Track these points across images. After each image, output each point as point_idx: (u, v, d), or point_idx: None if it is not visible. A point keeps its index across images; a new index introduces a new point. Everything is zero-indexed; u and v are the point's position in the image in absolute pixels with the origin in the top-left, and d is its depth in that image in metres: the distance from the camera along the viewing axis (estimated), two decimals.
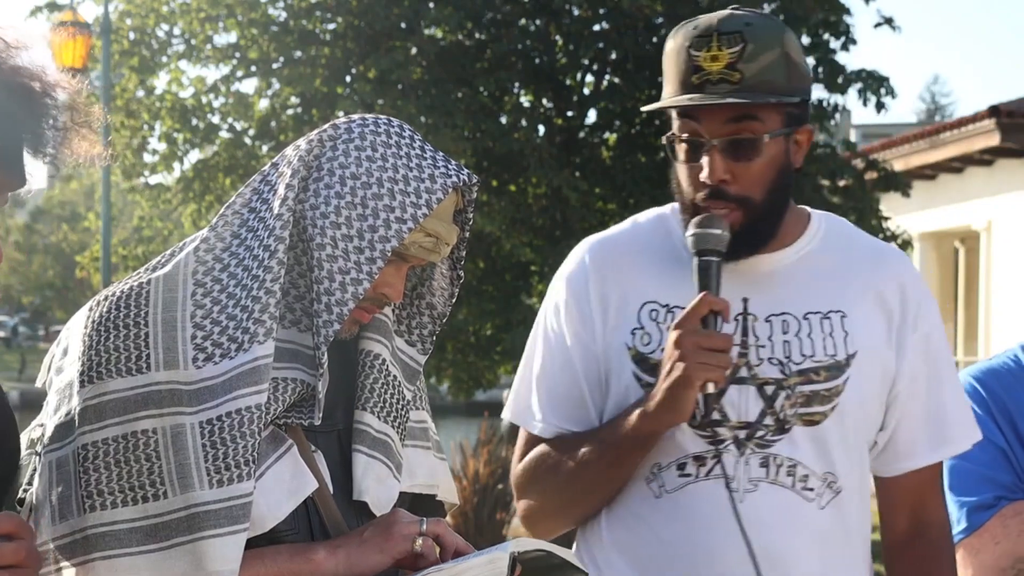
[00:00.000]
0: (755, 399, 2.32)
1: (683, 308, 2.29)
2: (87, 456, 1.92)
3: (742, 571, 2.26)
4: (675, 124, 2.33)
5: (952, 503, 2.26)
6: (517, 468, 2.49)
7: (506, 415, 2.54)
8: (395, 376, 2.13)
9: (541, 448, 2.44)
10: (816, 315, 2.35)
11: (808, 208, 2.50)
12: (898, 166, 13.68)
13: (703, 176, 2.28)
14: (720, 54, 2.25)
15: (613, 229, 2.54)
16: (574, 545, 2.47)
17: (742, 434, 2.31)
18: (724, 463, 2.29)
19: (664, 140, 2.37)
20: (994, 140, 15.44)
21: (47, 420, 2.01)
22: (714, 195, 2.29)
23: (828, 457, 2.32)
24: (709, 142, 2.27)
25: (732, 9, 2.33)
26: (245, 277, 1.98)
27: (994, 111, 15.19)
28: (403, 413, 2.14)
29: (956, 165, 17.09)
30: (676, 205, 2.44)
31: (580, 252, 2.49)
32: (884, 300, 2.38)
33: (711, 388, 2.22)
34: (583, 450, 2.36)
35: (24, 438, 2.08)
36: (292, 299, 2.03)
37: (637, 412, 2.28)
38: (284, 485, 1.97)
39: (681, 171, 2.33)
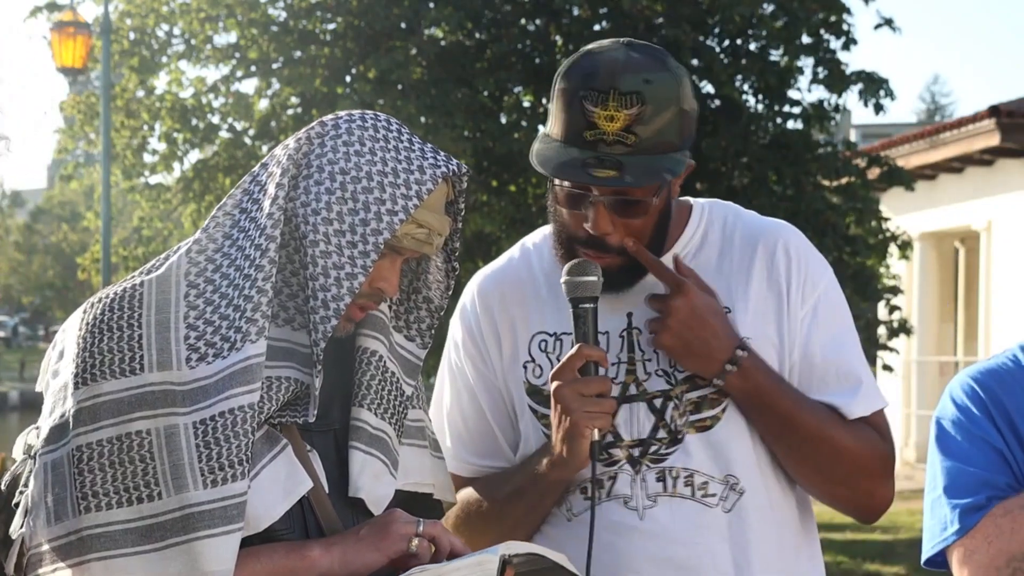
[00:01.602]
0: (646, 414, 2.32)
1: (569, 335, 2.29)
2: (81, 458, 1.93)
3: None
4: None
5: (945, 505, 2.25)
6: (454, 503, 2.48)
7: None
8: (393, 372, 2.13)
9: (465, 491, 2.44)
10: None
11: (690, 200, 2.45)
12: (898, 165, 13.65)
13: (586, 225, 2.24)
14: (617, 115, 2.17)
15: (501, 259, 2.51)
16: None
17: (636, 452, 2.31)
18: (628, 483, 2.30)
19: (548, 180, 2.30)
20: (994, 140, 15.44)
21: (43, 422, 2.01)
22: (594, 244, 2.25)
23: (725, 459, 2.31)
24: (596, 198, 2.22)
25: (624, 51, 2.22)
26: (237, 277, 1.98)
27: (994, 111, 15.19)
28: (401, 410, 2.14)
29: (956, 165, 17.08)
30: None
31: (471, 289, 2.48)
32: (771, 279, 2.34)
33: (596, 436, 2.22)
34: (503, 493, 2.37)
35: (21, 441, 2.08)
36: (285, 297, 2.03)
37: (544, 461, 2.29)
38: (279, 485, 1.98)
39: (561, 211, 2.28)
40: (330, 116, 2.08)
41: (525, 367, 2.39)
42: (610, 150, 2.18)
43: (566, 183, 2.24)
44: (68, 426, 1.95)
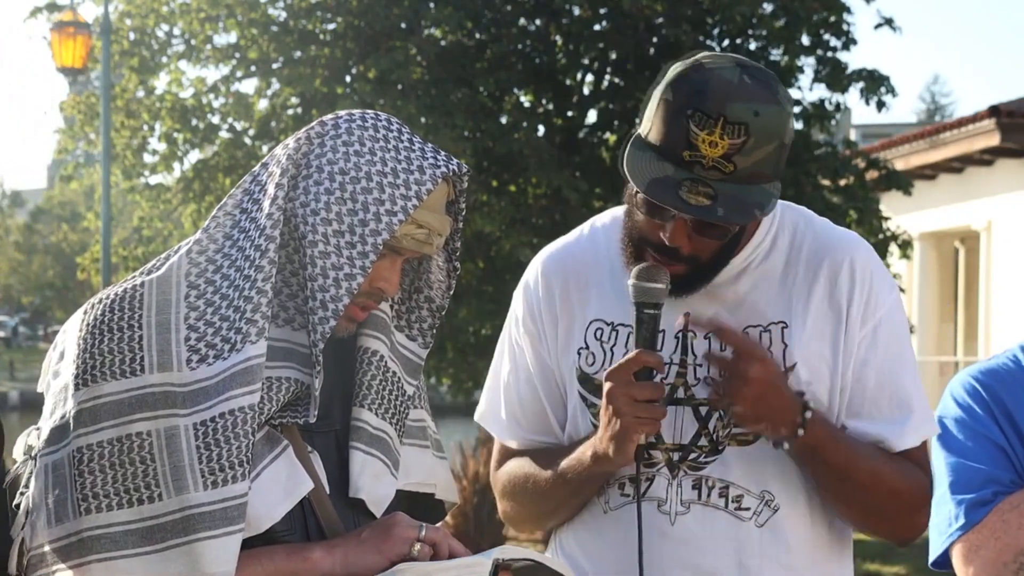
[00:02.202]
0: (690, 421, 2.31)
1: (627, 326, 2.30)
2: (82, 459, 1.92)
3: None
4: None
5: (950, 500, 2.25)
6: (495, 475, 2.54)
7: (478, 417, 2.57)
8: (394, 372, 2.13)
9: (514, 463, 2.47)
10: (755, 328, 2.30)
11: None
12: (898, 166, 13.67)
13: (662, 235, 2.21)
14: (721, 142, 2.11)
15: (569, 237, 2.50)
16: (551, 542, 2.51)
17: (675, 456, 2.31)
18: (664, 487, 2.30)
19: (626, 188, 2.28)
20: (994, 140, 15.45)
21: (43, 423, 2.01)
22: (666, 252, 2.23)
23: (762, 475, 2.30)
24: (679, 215, 2.19)
25: (738, 73, 2.16)
26: (237, 277, 1.98)
27: (994, 111, 15.20)
28: (402, 409, 2.14)
29: (956, 165, 17.09)
30: (621, 211, 2.40)
31: (535, 266, 2.48)
32: (832, 296, 2.31)
33: (642, 440, 2.22)
34: (549, 474, 2.38)
35: (21, 442, 2.08)
36: (285, 297, 2.03)
37: (590, 452, 2.29)
38: (280, 486, 1.97)
39: (638, 213, 2.25)
40: (330, 116, 2.08)
41: (579, 353, 2.38)
42: (705, 175, 2.14)
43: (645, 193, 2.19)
44: (69, 427, 1.95)
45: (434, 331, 2.20)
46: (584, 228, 2.50)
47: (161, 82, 13.00)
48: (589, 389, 2.36)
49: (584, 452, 2.31)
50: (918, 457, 2.36)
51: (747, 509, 2.31)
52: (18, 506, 2.01)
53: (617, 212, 2.43)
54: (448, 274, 2.19)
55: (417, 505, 2.17)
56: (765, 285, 2.32)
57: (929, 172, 17.47)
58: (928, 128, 17.43)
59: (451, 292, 2.20)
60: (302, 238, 1.98)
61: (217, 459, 1.90)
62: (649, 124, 2.20)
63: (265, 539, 1.97)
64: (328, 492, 2.04)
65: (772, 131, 2.14)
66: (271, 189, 2.00)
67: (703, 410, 2.30)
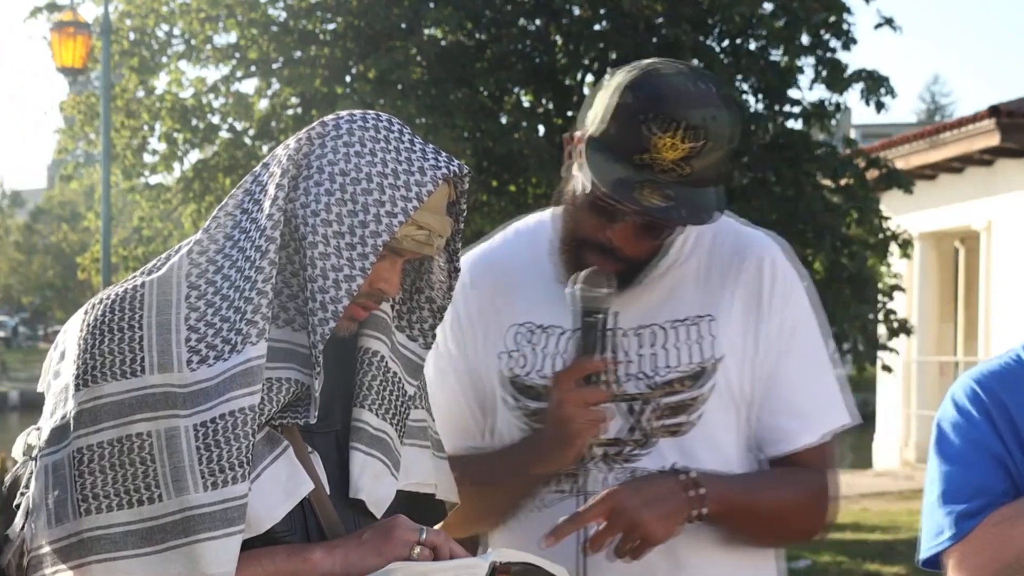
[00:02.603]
0: (622, 415, 2.34)
1: (556, 328, 2.35)
2: (82, 460, 1.92)
3: None
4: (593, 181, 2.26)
5: (940, 511, 2.25)
6: None
7: None
8: (395, 372, 2.13)
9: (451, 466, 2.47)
10: (682, 323, 2.37)
11: None
12: (898, 166, 13.64)
13: (605, 236, 2.26)
14: (680, 146, 2.17)
15: (492, 242, 2.53)
16: (487, 541, 2.52)
17: (610, 450, 2.34)
18: (588, 480, 2.33)
19: (576, 172, 2.31)
20: (994, 140, 15.44)
21: (43, 423, 2.01)
22: (606, 252, 2.28)
23: (696, 466, 2.33)
24: (630, 217, 2.24)
25: (692, 79, 2.22)
26: (238, 278, 1.98)
27: (994, 111, 15.19)
28: (403, 410, 2.14)
29: (956, 165, 17.09)
30: (547, 214, 2.45)
31: (464, 266, 2.46)
32: (753, 291, 2.38)
33: (598, 451, 2.29)
34: (480, 476, 2.39)
35: (21, 442, 2.08)
36: (285, 298, 2.03)
37: (523, 457, 2.32)
38: (280, 487, 1.97)
39: (581, 213, 2.29)
40: (331, 116, 2.08)
41: (510, 355, 2.41)
42: (661, 177, 2.19)
43: (605, 199, 2.23)
44: (69, 428, 1.95)
45: (435, 331, 2.20)
46: (507, 232, 2.53)
47: (161, 82, 13.01)
48: (516, 391, 2.39)
49: (524, 455, 2.33)
50: (817, 456, 2.41)
51: None
52: (18, 506, 2.02)
53: (542, 216, 2.47)
54: (449, 275, 2.19)
55: (417, 505, 2.17)
56: (690, 280, 2.38)
57: (929, 172, 17.46)
58: (928, 128, 17.43)
59: (452, 292, 2.20)
60: (302, 239, 1.98)
61: (217, 460, 1.90)
62: (602, 126, 2.24)
63: (265, 540, 1.97)
64: (328, 492, 2.04)
65: (725, 136, 2.21)
66: (271, 190, 2.00)
67: (633, 405, 2.34)
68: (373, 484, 2.07)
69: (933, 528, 2.27)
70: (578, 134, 2.33)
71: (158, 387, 1.93)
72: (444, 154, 2.06)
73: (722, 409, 2.36)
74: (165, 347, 1.95)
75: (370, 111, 2.09)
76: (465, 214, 2.13)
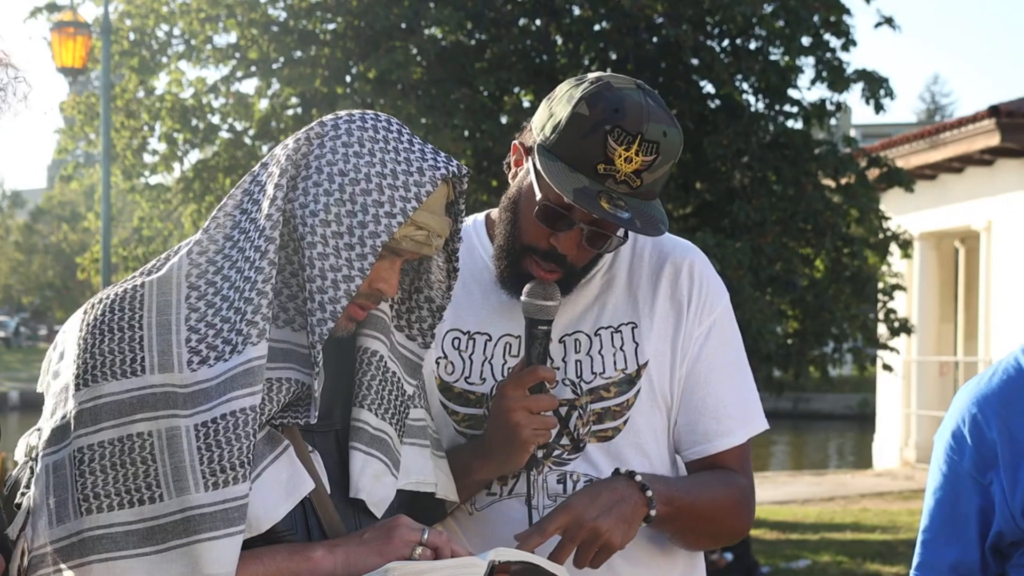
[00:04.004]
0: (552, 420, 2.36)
1: (483, 335, 2.40)
2: (83, 459, 1.92)
3: None
4: (545, 189, 2.29)
5: (919, 569, 2.36)
6: None
7: None
8: (394, 372, 2.13)
9: None
10: (607, 330, 2.42)
11: None
12: (898, 166, 13.65)
13: (553, 242, 2.30)
14: (635, 159, 2.24)
15: None
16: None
17: (539, 453, 2.37)
18: (529, 483, 2.36)
19: (524, 179, 2.34)
20: (994, 140, 15.44)
21: (43, 423, 2.01)
22: (550, 258, 2.32)
23: (624, 468, 2.35)
24: (577, 224, 2.28)
25: (645, 96, 2.29)
26: (238, 279, 1.98)
27: (994, 111, 15.19)
28: (402, 409, 2.14)
29: (956, 165, 17.08)
30: (478, 219, 2.49)
31: None
32: (673, 297, 2.44)
33: (539, 453, 2.34)
34: None
35: (23, 443, 2.08)
36: (285, 299, 2.03)
37: (468, 461, 2.34)
38: (280, 486, 1.97)
39: (526, 219, 2.33)
40: (330, 116, 2.08)
41: (438, 363, 2.43)
42: (615, 188, 2.24)
43: (554, 205, 2.27)
44: (69, 427, 1.95)
45: (434, 331, 2.21)
46: None
47: (161, 82, 13.00)
48: (449, 397, 2.42)
49: (469, 459, 2.35)
50: (737, 458, 2.46)
51: None
52: (19, 506, 2.01)
53: (470, 220, 2.50)
54: (448, 274, 2.19)
55: (417, 504, 2.17)
56: (613, 288, 2.44)
57: (929, 172, 17.46)
58: (928, 128, 17.42)
59: (451, 292, 2.20)
60: (301, 239, 1.98)
61: (219, 460, 1.90)
62: (555, 136, 2.28)
63: (266, 539, 1.97)
64: (329, 492, 2.04)
65: (673, 151, 2.28)
66: (270, 190, 2.00)
67: (563, 410, 2.39)
68: (373, 484, 2.07)
69: (914, 562, 2.38)
70: (527, 142, 2.36)
71: (158, 387, 1.93)
72: (443, 154, 2.07)
73: (648, 414, 2.41)
74: (165, 347, 1.95)
75: (369, 111, 2.09)
76: (464, 214, 2.13)
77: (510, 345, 2.40)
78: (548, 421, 2.30)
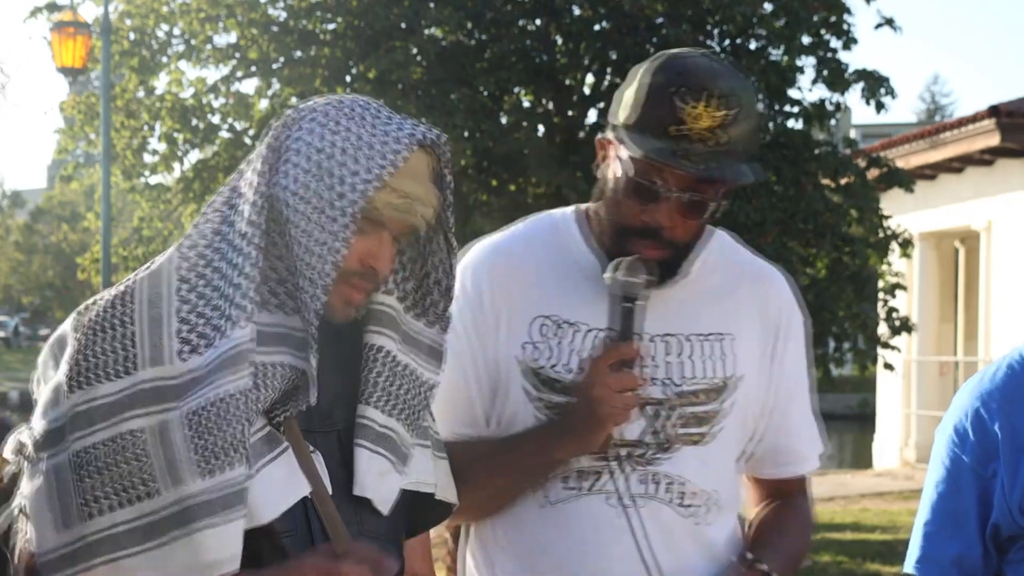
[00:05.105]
0: (644, 418, 2.36)
1: (583, 324, 2.37)
2: (80, 463, 1.92)
3: None
4: (633, 162, 2.30)
5: (913, 566, 2.37)
6: None
7: None
8: (405, 365, 2.12)
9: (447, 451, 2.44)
10: (700, 337, 2.41)
11: None
12: (898, 166, 13.65)
13: (649, 218, 2.30)
14: (706, 114, 2.24)
15: (506, 234, 2.54)
16: (465, 543, 2.51)
17: (624, 452, 2.35)
18: (615, 480, 2.35)
19: (612, 165, 2.36)
20: (994, 140, 15.45)
21: (36, 423, 2.01)
22: (651, 235, 2.31)
23: (710, 475, 2.39)
24: (670, 194, 2.28)
25: (715, 60, 2.31)
26: (227, 269, 1.99)
27: (994, 111, 15.19)
28: (415, 402, 2.12)
29: (956, 165, 17.09)
30: (568, 212, 2.49)
31: (475, 258, 2.49)
32: (767, 319, 2.46)
33: (623, 451, 2.33)
34: (485, 462, 2.39)
35: (12, 440, 2.08)
36: (275, 283, 2.02)
37: (546, 438, 2.33)
38: (277, 488, 1.97)
39: (623, 201, 2.33)
40: (308, 101, 2.09)
41: (527, 347, 2.40)
42: (697, 147, 2.24)
43: (643, 179, 2.28)
44: (66, 431, 1.95)
45: (449, 314, 2.17)
46: (519, 227, 2.55)
47: (161, 82, 12.99)
48: (540, 382, 2.39)
49: (546, 438, 2.34)
50: (808, 479, 2.57)
51: (693, 507, 2.37)
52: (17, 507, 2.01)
53: (557, 213, 2.52)
54: (448, 253, 2.17)
55: (419, 504, 2.17)
56: (708, 297, 2.44)
57: (929, 172, 17.46)
58: (928, 128, 17.43)
59: (455, 271, 2.18)
60: (286, 221, 1.99)
61: (211, 447, 1.90)
62: (632, 111, 2.31)
63: (269, 541, 1.97)
64: (331, 492, 2.04)
65: (750, 106, 2.29)
66: (254, 179, 2.02)
67: (651, 409, 2.36)
68: (378, 482, 2.07)
69: (909, 561, 2.45)
70: (609, 135, 2.38)
71: (149, 381, 1.94)
72: (425, 125, 2.06)
73: (738, 426, 2.42)
74: (157, 340, 1.95)
75: (348, 95, 2.09)
76: (452, 185, 2.12)
77: (606, 340, 2.36)
78: (632, 400, 2.28)
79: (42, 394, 2.02)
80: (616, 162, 2.35)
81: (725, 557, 2.40)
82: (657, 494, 2.36)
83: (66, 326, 2.04)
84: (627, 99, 2.33)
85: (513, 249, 2.49)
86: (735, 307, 2.44)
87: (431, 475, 2.20)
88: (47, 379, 2.03)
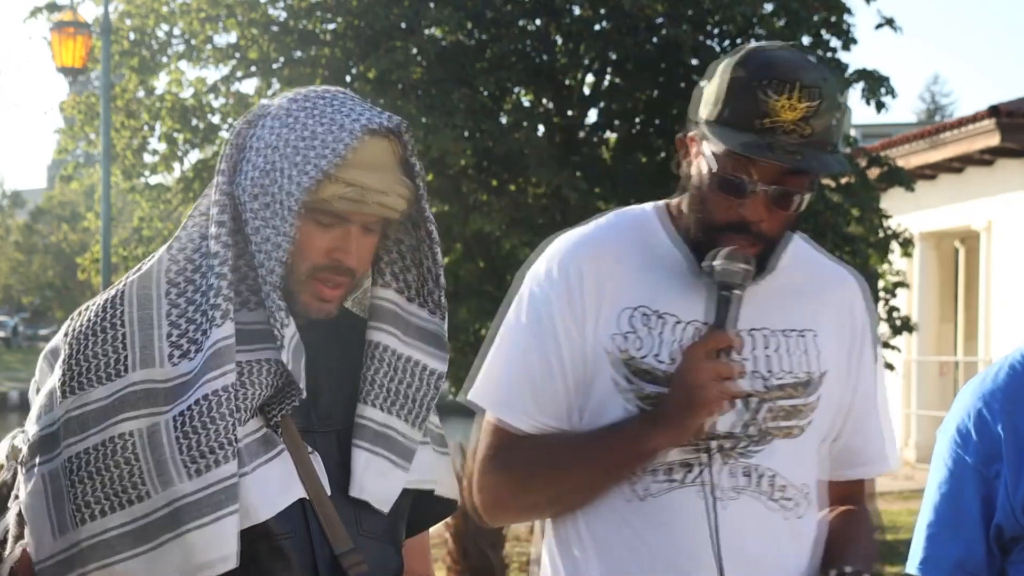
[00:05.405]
0: (739, 411, 2.35)
1: (673, 316, 2.35)
2: (72, 469, 1.92)
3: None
4: (718, 157, 2.30)
5: (917, 567, 2.36)
6: (490, 456, 2.41)
7: (473, 396, 2.44)
8: (409, 358, 2.11)
9: (527, 443, 2.39)
10: (792, 332, 2.41)
11: None
12: (899, 165, 13.64)
13: (737, 214, 2.30)
14: (797, 106, 2.24)
15: (592, 227, 2.50)
16: (548, 537, 2.46)
17: (726, 444, 2.34)
18: (712, 471, 2.32)
19: (696, 162, 2.35)
20: (994, 140, 15.44)
21: (30, 427, 2.01)
22: (741, 230, 2.32)
23: (804, 469, 2.39)
24: (758, 187, 2.29)
25: (797, 52, 2.32)
26: (207, 271, 2.00)
27: (994, 111, 15.19)
28: (419, 396, 2.11)
29: (956, 165, 17.08)
30: (648, 208, 2.48)
31: (565, 247, 2.45)
32: (848, 320, 2.47)
33: (722, 443, 2.32)
34: (573, 455, 2.36)
35: (6, 444, 2.08)
36: (252, 280, 2.03)
37: (639, 428, 2.30)
38: (274, 486, 1.97)
39: (710, 197, 2.33)
40: (270, 98, 2.09)
41: (625, 337, 2.37)
42: (784, 139, 2.24)
43: (732, 173, 2.28)
44: (59, 436, 1.95)
45: (444, 303, 2.16)
46: (602, 221, 2.51)
47: (161, 82, 12.98)
48: (632, 373, 2.36)
49: (632, 430, 2.30)
50: (874, 483, 2.58)
51: (789, 499, 2.37)
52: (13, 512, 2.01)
53: (638, 210, 2.50)
54: (429, 241, 2.15)
55: (421, 502, 2.17)
56: (791, 292, 2.44)
57: (929, 172, 17.45)
58: (928, 128, 17.42)
59: (443, 259, 2.17)
60: (243, 220, 2.00)
61: (197, 446, 1.90)
62: (716, 106, 2.30)
63: (267, 542, 1.96)
64: (330, 493, 2.03)
65: (834, 97, 2.28)
66: (219, 178, 2.04)
67: (750, 401, 2.35)
68: (376, 481, 2.06)
69: (912, 560, 2.42)
70: (691, 133, 2.37)
71: (139, 384, 1.94)
72: (381, 112, 2.04)
73: (825, 420, 2.43)
74: (147, 342, 1.96)
75: (320, 87, 2.08)
76: (422, 172, 2.10)
77: (700, 331, 2.34)
78: (726, 388, 2.26)
79: (37, 399, 2.03)
80: (701, 158, 2.34)
81: (816, 551, 2.40)
82: (750, 487, 2.34)
83: (62, 331, 2.05)
84: (709, 95, 2.33)
85: (603, 240, 2.45)
86: (819, 305, 2.45)
87: (432, 472, 2.19)
88: (43, 385, 2.03)
